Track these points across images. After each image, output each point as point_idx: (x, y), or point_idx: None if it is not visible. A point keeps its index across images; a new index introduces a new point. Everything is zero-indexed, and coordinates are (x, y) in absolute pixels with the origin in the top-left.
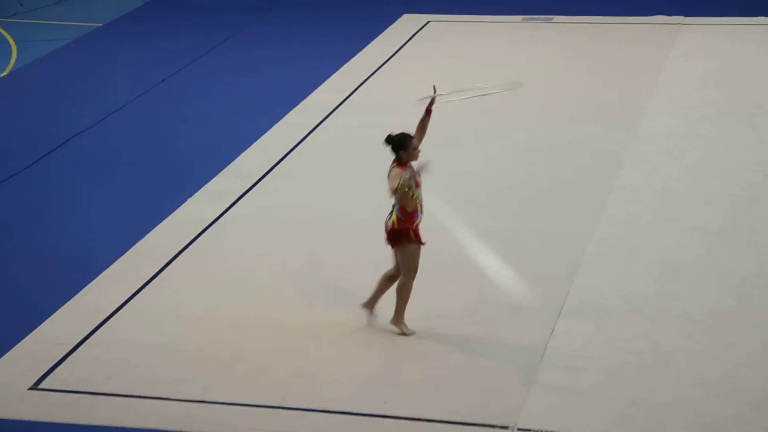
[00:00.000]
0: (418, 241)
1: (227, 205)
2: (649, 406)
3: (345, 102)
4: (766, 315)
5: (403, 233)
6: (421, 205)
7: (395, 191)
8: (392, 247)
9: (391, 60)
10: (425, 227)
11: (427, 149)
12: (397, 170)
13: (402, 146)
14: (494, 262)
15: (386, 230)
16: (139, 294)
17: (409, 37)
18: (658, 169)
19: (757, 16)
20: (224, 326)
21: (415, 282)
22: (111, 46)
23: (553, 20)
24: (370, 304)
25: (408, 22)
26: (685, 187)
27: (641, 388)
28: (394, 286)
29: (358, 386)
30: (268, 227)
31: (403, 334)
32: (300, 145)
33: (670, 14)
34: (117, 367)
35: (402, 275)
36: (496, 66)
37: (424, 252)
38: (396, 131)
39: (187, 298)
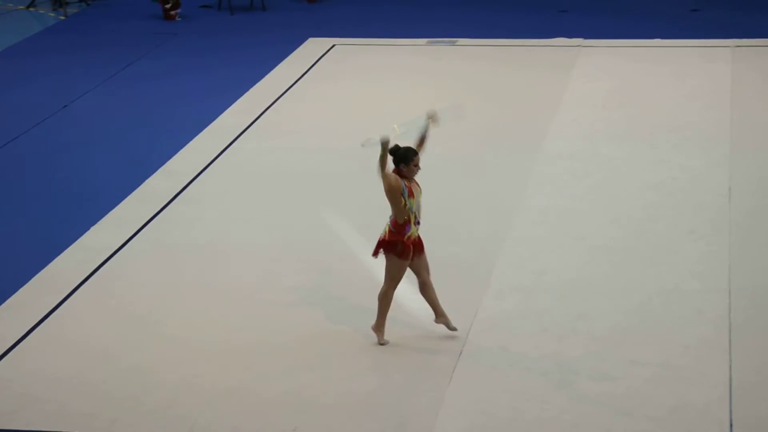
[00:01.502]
0: (405, 257)
1: (133, 233)
2: (558, 426)
3: (252, 126)
4: (668, 332)
5: (391, 245)
6: (415, 216)
7: (384, 145)
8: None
9: (298, 83)
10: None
11: (335, 177)
12: (392, 174)
13: (404, 160)
14: (402, 285)
15: (378, 240)
16: (42, 324)
17: (315, 61)
18: (561, 190)
19: (653, 38)
20: (131, 357)
21: (332, 307)
22: (8, 72)
23: (457, 43)
24: (437, 316)
25: (313, 45)
26: (589, 207)
27: (549, 408)
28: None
29: (266, 413)
30: (176, 254)
31: (378, 342)
32: (207, 170)
33: (570, 37)
34: (20, 401)
35: (384, 283)
36: (401, 88)
37: (333, 277)
38: (306, 154)
39: (93, 328)
